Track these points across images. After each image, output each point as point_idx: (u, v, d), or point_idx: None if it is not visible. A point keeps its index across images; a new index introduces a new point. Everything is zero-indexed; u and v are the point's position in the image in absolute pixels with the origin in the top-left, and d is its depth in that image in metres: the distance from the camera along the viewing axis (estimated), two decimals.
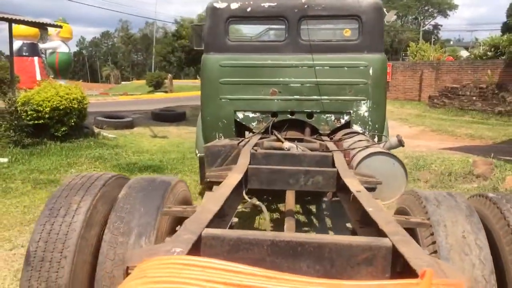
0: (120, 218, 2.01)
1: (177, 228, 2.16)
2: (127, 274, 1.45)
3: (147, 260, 1.13)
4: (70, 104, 8.78)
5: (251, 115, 5.49)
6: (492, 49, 17.87)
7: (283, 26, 5.52)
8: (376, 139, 5.25)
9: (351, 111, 5.35)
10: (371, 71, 5.30)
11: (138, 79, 63.40)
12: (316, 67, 5.31)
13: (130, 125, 12.13)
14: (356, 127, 5.34)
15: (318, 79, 5.31)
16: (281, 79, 5.39)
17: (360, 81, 5.31)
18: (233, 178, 2.54)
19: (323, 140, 4.89)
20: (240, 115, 5.50)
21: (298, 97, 5.37)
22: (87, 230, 2.06)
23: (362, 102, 5.33)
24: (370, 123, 5.37)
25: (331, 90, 5.33)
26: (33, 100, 8.38)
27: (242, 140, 4.63)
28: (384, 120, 5.53)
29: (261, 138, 4.94)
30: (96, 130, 10.45)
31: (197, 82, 44.01)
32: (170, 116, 13.99)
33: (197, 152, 5.90)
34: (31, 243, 1.99)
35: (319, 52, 5.33)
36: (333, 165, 3.66)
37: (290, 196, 3.69)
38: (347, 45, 5.40)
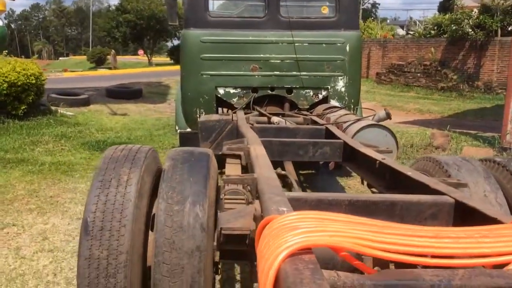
0: (172, 188, 2.09)
1: (221, 196, 2.29)
2: (221, 235, 1.57)
3: (271, 218, 1.25)
4: (28, 80, 8.40)
5: (232, 90, 5.58)
6: (435, 28, 18.82)
7: (263, 3, 5.61)
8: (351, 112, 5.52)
9: (329, 87, 5.58)
10: (347, 48, 5.54)
11: (74, 55, 60.59)
12: (296, 44, 5.47)
13: (86, 102, 11.75)
14: (334, 102, 5.59)
15: (297, 56, 5.48)
16: (261, 55, 5.50)
17: (338, 57, 5.53)
18: (259, 149, 2.67)
19: (305, 115, 5.10)
20: (221, 90, 5.57)
21: (278, 73, 5.52)
22: (139, 200, 2.13)
23: (339, 78, 5.57)
24: (346, 98, 5.63)
25: (310, 66, 5.52)
26: None
27: (228, 115, 4.74)
28: (358, 94, 5.82)
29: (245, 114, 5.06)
30: (53, 107, 10.07)
31: (140, 58, 43.03)
32: (126, 93, 13.67)
33: (177, 128, 5.93)
34: (88, 214, 2.03)
35: (298, 29, 5.48)
36: (327, 137, 3.89)
37: (290, 167, 3.87)
38: (325, 22, 5.59)
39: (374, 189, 2.54)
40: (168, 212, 2.04)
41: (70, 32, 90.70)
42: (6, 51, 10.04)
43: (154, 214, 2.35)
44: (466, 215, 1.57)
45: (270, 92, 5.57)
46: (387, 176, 2.41)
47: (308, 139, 3.80)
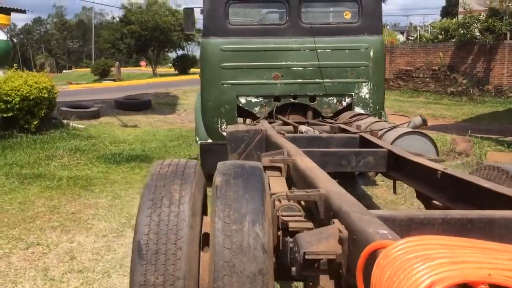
0: (228, 206, 1.94)
1: (278, 214, 2.13)
2: (303, 259, 1.42)
3: (384, 244, 1.10)
4: (40, 94, 8.29)
5: (253, 99, 5.45)
6: (443, 33, 18.71)
7: (284, 9, 5.50)
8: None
9: (353, 93, 5.44)
10: (371, 53, 5.40)
11: (76, 68, 60.69)
12: (318, 50, 5.34)
13: (96, 115, 11.64)
14: (358, 109, 5.45)
15: (320, 62, 5.35)
16: (283, 62, 5.38)
17: (361, 63, 5.40)
18: (307, 161, 2.52)
19: (331, 123, 4.96)
20: (242, 100, 5.44)
21: (300, 80, 5.39)
22: (193, 219, 1.98)
23: (363, 84, 5.43)
24: (371, 104, 5.49)
25: (333, 72, 5.39)
26: (1, 90, 7.83)
27: (254, 124, 4.61)
28: (383, 101, 5.68)
29: (269, 123, 4.93)
30: (65, 121, 9.95)
31: (143, 69, 42.96)
32: (135, 105, 13.56)
33: (197, 139, 5.79)
34: (140, 236, 1.88)
35: (320, 35, 5.35)
36: (362, 146, 3.74)
37: None
38: (348, 27, 5.47)
39: (435, 202, 2.38)
40: (226, 232, 1.89)
41: (72, 45, 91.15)
42: (16, 64, 9.95)
43: (204, 233, 2.21)
44: None
45: (293, 100, 5.44)
46: (451, 187, 2.25)
47: (347, 148, 3.65)
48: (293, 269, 1.49)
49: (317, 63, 5.34)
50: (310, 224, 1.93)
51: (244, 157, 4.09)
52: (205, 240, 2.20)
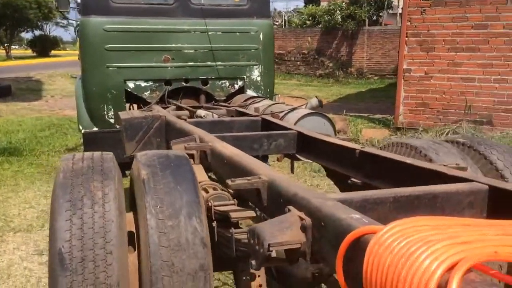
0: (160, 200, 1.78)
1: (210, 204, 2.01)
2: (268, 252, 1.34)
3: (372, 230, 1.07)
4: None
5: (143, 84, 5.14)
6: (310, 18, 19.77)
7: None
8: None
9: (245, 76, 5.44)
10: (261, 37, 5.44)
11: None
12: (209, 33, 5.22)
13: None
14: (250, 92, 5.47)
15: (211, 45, 5.24)
16: (173, 45, 5.15)
17: (252, 46, 5.41)
18: (230, 147, 2.43)
19: (227, 106, 4.90)
20: (130, 84, 5.10)
21: (192, 63, 5.22)
22: (120, 219, 1.78)
23: (255, 67, 5.46)
24: (262, 87, 5.55)
25: (225, 56, 5.32)
26: None
27: (150, 110, 4.38)
28: (273, 84, 5.78)
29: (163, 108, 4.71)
30: None
31: None
32: None
33: (80, 127, 5.29)
34: (61, 244, 1.63)
35: (210, 17, 5.23)
36: (264, 129, 3.76)
37: None
38: (237, 10, 5.42)
39: (353, 179, 2.47)
40: (161, 229, 1.73)
41: None
42: None
43: (130, 232, 2.00)
44: (501, 201, 1.56)
45: (185, 84, 5.25)
46: (368, 165, 2.35)
47: (250, 131, 3.63)
48: (253, 262, 1.40)
49: (209, 45, 5.21)
50: (251, 213, 1.85)
51: (143, 146, 3.84)
52: (128, 240, 2.00)
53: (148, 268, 1.68)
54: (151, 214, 1.74)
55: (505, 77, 6.66)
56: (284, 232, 1.36)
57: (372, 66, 18.05)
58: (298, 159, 3.49)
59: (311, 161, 3.22)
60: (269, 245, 1.32)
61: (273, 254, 1.42)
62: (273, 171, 1.81)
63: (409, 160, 2.04)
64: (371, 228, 1.09)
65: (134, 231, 2.00)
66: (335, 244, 1.22)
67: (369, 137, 7.01)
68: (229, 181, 1.73)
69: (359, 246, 1.10)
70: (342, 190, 2.88)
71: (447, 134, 6.53)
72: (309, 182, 5.33)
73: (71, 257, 1.62)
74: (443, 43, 7.13)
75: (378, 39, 17.82)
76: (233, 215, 1.82)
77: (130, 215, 2.10)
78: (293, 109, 3.99)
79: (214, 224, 1.99)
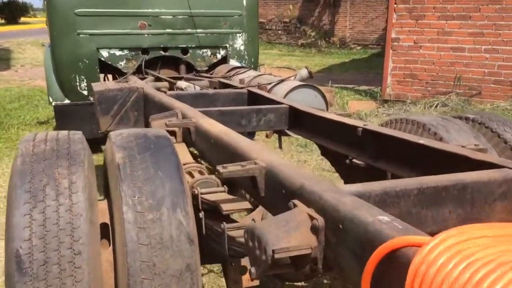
0: (138, 190, 1.51)
1: (196, 191, 1.75)
2: (273, 259, 1.09)
3: (414, 242, 0.84)
4: None
5: (118, 52, 4.77)
6: None
7: None
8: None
9: (227, 45, 5.11)
10: (244, 2, 5.10)
11: None
12: None
13: None
14: (233, 62, 5.16)
15: (191, 11, 4.87)
16: (150, 10, 4.76)
17: (235, 12, 5.07)
18: (217, 124, 2.15)
19: (209, 77, 4.59)
20: (104, 53, 4.72)
21: (170, 30, 4.86)
22: (91, 212, 1.51)
23: (238, 35, 5.14)
24: (246, 57, 5.24)
25: (206, 22, 4.97)
26: None
27: (126, 81, 4.04)
28: (258, 53, 5.47)
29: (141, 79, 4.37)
30: None
31: None
32: None
33: (50, 100, 4.91)
34: (18, 244, 1.36)
35: None
36: (251, 102, 3.49)
37: None
38: None
39: (355, 160, 2.23)
40: (140, 224, 1.46)
41: None
42: None
43: (104, 224, 1.73)
44: None
45: (163, 53, 4.90)
46: (372, 144, 2.11)
47: (236, 105, 3.36)
48: (252, 270, 1.15)
49: (189, 11, 4.85)
50: (246, 204, 1.60)
51: (119, 120, 3.53)
52: (102, 233, 1.74)
53: (125, 269, 1.43)
54: (128, 206, 1.48)
55: (496, 47, 6.47)
56: (291, 235, 1.11)
57: (355, 36, 17.73)
58: (289, 136, 3.25)
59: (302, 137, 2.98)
60: (273, 251, 1.08)
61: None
62: (271, 154, 1.55)
63: (422, 140, 1.80)
64: (413, 239, 0.85)
65: (109, 222, 1.74)
66: (359, 254, 0.98)
67: (356, 109, 6.79)
68: (220, 168, 1.47)
69: (396, 262, 0.86)
70: (340, 170, 2.65)
71: (436, 106, 6.35)
72: (296, 157, 5.10)
73: (31, 259, 1.35)
74: (433, 10, 6.87)
75: (361, 7, 17.43)
76: (224, 207, 1.56)
77: (104, 204, 1.83)
78: (282, 80, 3.71)
79: (202, 215, 1.73)
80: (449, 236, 0.81)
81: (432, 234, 1.21)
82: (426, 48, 6.97)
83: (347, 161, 2.45)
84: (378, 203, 1.23)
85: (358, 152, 2.22)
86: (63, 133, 1.72)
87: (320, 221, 1.11)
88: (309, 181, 1.25)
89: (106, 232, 1.74)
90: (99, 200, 1.85)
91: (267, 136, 3.30)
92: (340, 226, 1.05)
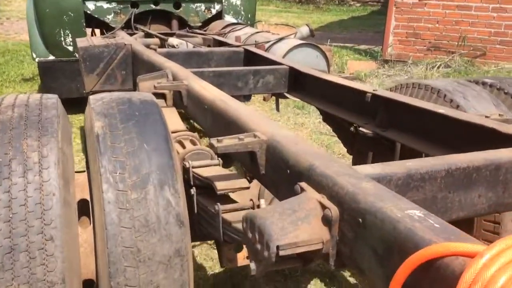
0: (121, 165, 1.31)
1: (188, 165, 1.56)
2: (277, 255, 0.91)
3: (455, 248, 0.66)
4: None
5: (105, 5, 4.47)
6: None
7: None
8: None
9: (223, 0, 4.81)
10: None
11: None
12: None
13: None
14: (229, 18, 4.86)
15: None
16: None
17: None
18: (211, 88, 1.93)
19: (203, 34, 4.31)
20: (90, 5, 4.43)
21: None
22: (65, 190, 1.32)
23: None
24: (242, 12, 4.95)
25: None
26: None
27: (113, 37, 3.76)
28: (255, 8, 5.17)
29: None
30: None
31: None
32: None
33: (34, 55, 4.63)
34: None
35: None
36: (248, 62, 3.26)
37: None
38: None
39: (361, 129, 2.03)
40: (122, 204, 1.28)
41: None
42: None
43: (79, 201, 1.55)
44: None
45: (154, 6, 4.60)
46: (383, 112, 1.92)
47: (232, 65, 3.13)
48: (252, 266, 0.98)
49: None
50: (243, 182, 1.41)
51: (105, 79, 3.30)
52: (81, 210, 1.56)
53: (105, 256, 1.25)
54: (109, 183, 1.29)
55: (504, 6, 6.16)
56: (299, 227, 0.93)
57: None
58: (287, 98, 3.04)
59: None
60: (278, 247, 0.90)
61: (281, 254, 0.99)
62: (273, 125, 1.35)
63: (441, 110, 1.60)
64: (460, 248, 0.66)
65: (89, 198, 1.55)
66: (384, 256, 0.80)
67: (355, 70, 6.54)
68: (214, 142, 1.26)
69: (437, 276, 0.68)
70: (343, 138, 2.46)
71: (438, 67, 6.11)
72: (293, 120, 4.90)
73: None
74: None
75: None
76: (219, 185, 1.37)
77: (84, 177, 1.64)
78: (281, 39, 3.46)
79: (193, 191, 1.55)
80: (509, 246, 0.63)
81: (457, 221, 1.03)
82: (431, 5, 6.64)
83: (352, 128, 2.25)
84: (400, 188, 1.05)
85: (366, 120, 2.03)
86: (35, 97, 1.51)
87: (333, 211, 0.93)
88: (320, 161, 1.05)
89: (87, 208, 1.56)
90: (80, 172, 1.67)
91: (264, 99, 3.09)
92: (360, 220, 0.86)
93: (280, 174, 1.19)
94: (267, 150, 1.27)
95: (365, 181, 0.95)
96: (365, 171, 1.03)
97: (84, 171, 1.69)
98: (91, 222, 1.52)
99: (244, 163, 1.40)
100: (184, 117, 3.49)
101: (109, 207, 1.26)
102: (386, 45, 7.01)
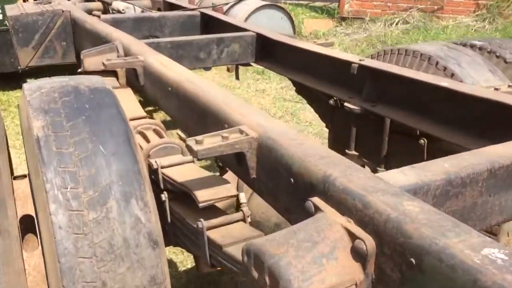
0: (71, 177, 1.03)
1: (156, 165, 1.29)
2: None
3: None
4: None
5: None
6: None
7: None
8: None
9: None
10: None
11: None
12: None
13: None
14: None
15: None
16: None
17: None
18: (173, 64, 1.63)
19: None
20: None
21: None
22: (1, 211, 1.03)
23: None
24: None
25: None
26: None
27: (49, 3, 3.31)
28: None
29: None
30: None
31: None
32: None
33: None
34: None
35: None
36: (205, 29, 2.94)
37: None
38: None
39: (347, 105, 1.81)
40: (77, 228, 1.01)
41: None
42: None
43: (22, 217, 1.25)
44: None
45: None
46: (372, 85, 1.70)
47: (188, 31, 2.81)
48: None
49: None
50: (230, 188, 1.15)
51: (42, 52, 2.90)
52: (24, 227, 1.27)
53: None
54: (58, 202, 1.00)
55: None
56: (324, 267, 0.70)
57: None
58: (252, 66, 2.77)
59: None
60: None
61: None
62: (262, 115, 1.10)
63: (444, 82, 1.39)
64: None
65: (34, 214, 1.26)
66: None
67: (312, 29, 6.28)
68: (192, 143, 0.99)
69: None
70: (321, 113, 2.23)
71: (396, 24, 5.97)
72: (254, 86, 4.62)
73: None
74: None
75: None
76: (200, 196, 1.10)
77: (26, 185, 1.33)
78: (239, 1, 3.13)
79: (164, 197, 1.28)
80: None
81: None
82: None
83: (331, 101, 2.03)
84: (439, 198, 0.84)
85: (351, 94, 1.81)
86: None
87: (369, 243, 0.71)
88: (338, 169, 0.82)
89: (32, 223, 1.27)
90: (20, 177, 1.36)
91: (228, 70, 2.81)
92: (413, 261, 0.64)
93: (279, 183, 0.95)
94: (259, 150, 1.02)
95: (406, 200, 0.72)
96: (398, 181, 0.80)
97: (25, 176, 1.38)
98: (39, 242, 1.23)
99: (227, 163, 1.15)
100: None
101: (60, 233, 0.98)
102: (343, 1, 6.77)
